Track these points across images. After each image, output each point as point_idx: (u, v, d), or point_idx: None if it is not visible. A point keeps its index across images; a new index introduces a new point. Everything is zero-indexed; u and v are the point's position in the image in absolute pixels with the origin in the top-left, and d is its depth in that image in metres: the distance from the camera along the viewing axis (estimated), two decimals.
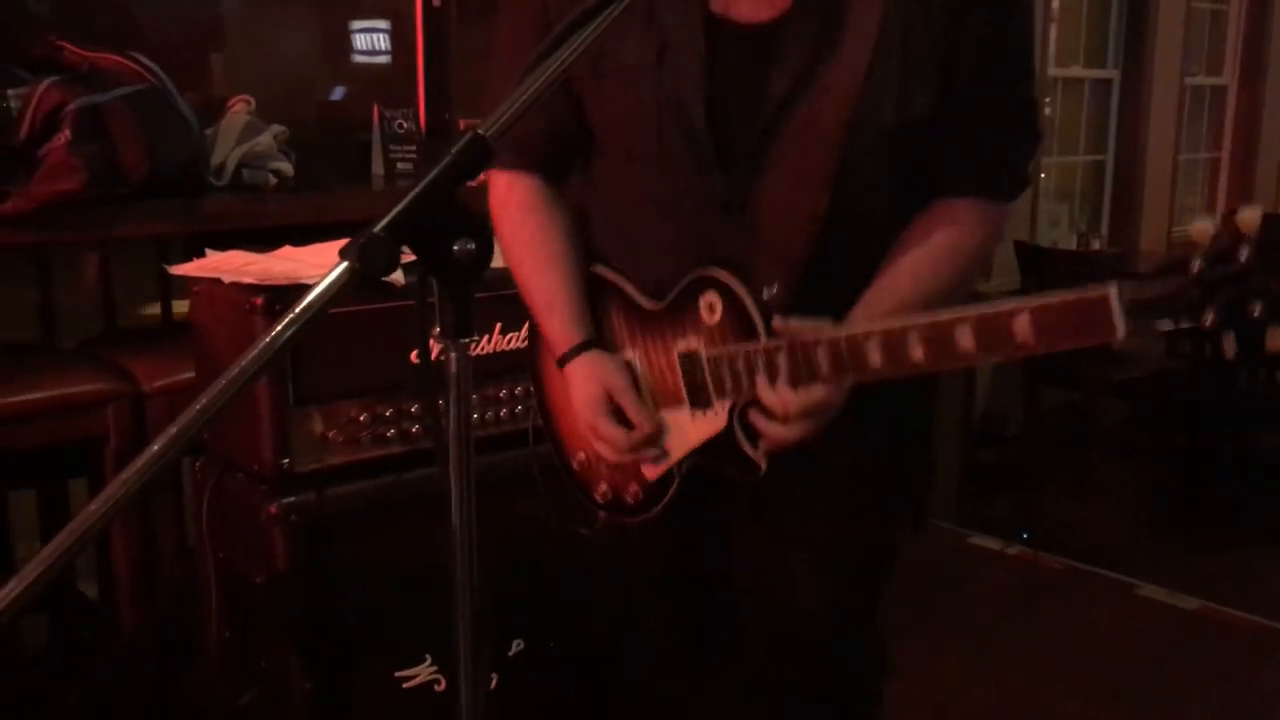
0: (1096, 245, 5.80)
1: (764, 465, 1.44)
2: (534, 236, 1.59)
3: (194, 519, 2.29)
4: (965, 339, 1.20)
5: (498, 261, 2.06)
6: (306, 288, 0.91)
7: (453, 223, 0.95)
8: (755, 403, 1.40)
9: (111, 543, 2.42)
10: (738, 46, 1.40)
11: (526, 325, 1.75)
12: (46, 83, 2.38)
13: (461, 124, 3.16)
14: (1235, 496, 4.91)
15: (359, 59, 3.45)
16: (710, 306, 1.44)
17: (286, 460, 2.01)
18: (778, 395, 1.36)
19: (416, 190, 0.94)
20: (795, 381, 1.35)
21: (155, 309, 3.01)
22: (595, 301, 1.59)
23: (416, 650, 2.16)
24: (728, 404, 1.45)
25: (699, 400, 1.48)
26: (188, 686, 2.44)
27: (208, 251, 2.25)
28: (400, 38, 3.42)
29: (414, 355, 2.03)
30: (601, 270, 1.59)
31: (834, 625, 1.69)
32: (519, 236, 1.59)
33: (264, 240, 2.31)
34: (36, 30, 2.54)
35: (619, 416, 1.53)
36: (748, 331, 1.41)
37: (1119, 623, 3.65)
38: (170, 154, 2.48)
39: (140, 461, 0.86)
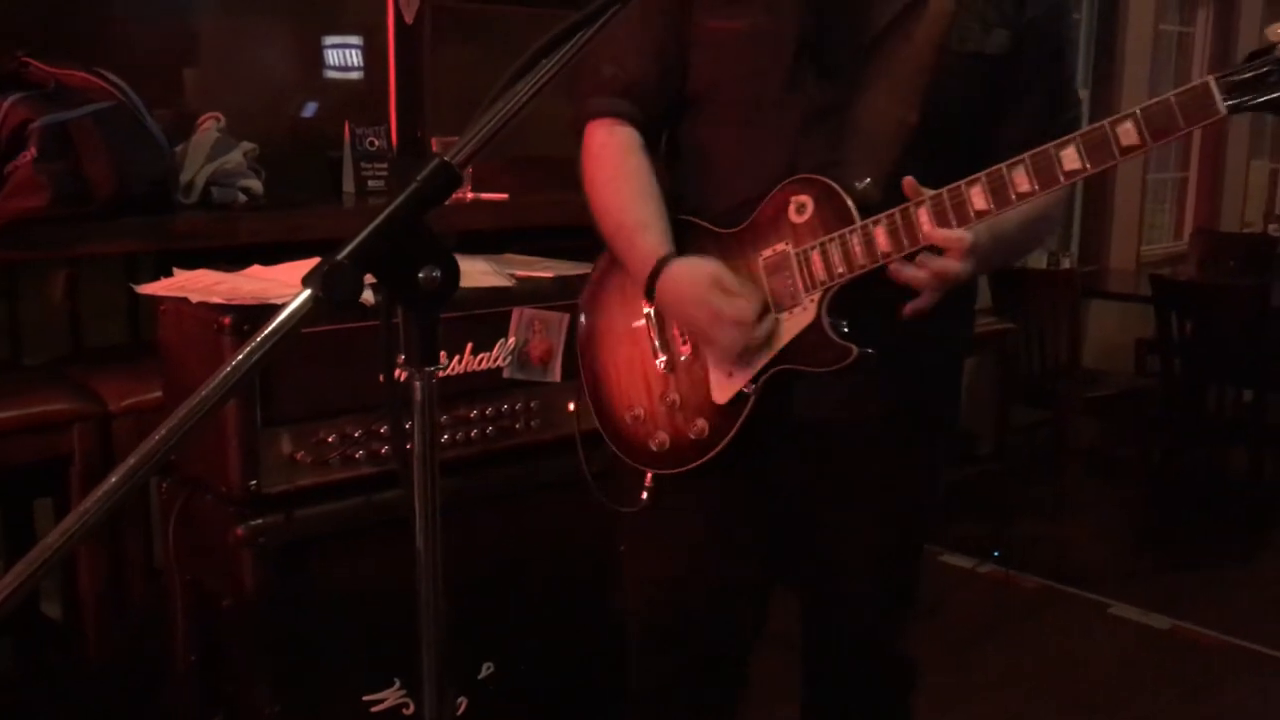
0: (1067, 264, 5.82)
1: (855, 349, 1.55)
2: (636, 169, 1.69)
3: (161, 540, 2.26)
4: (1071, 161, 1.40)
5: (469, 281, 2.06)
6: (275, 308, 0.91)
7: (418, 250, 0.95)
8: (868, 273, 1.52)
9: (77, 564, 2.38)
10: None
11: (579, 296, 1.84)
12: (11, 99, 2.35)
13: (434, 142, 3.15)
14: (1206, 515, 4.94)
15: (331, 75, 3.43)
16: (800, 206, 1.57)
17: (254, 482, 1.99)
18: (940, 232, 1.46)
19: (381, 217, 0.93)
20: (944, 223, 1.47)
21: (123, 328, 2.98)
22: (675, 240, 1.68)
23: (385, 673, 2.14)
24: (817, 295, 1.56)
25: (786, 299, 1.58)
26: (155, 710, 2.41)
27: (176, 270, 2.23)
28: (373, 54, 3.41)
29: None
30: (679, 217, 1.70)
31: (887, 608, 1.85)
32: (621, 168, 1.69)
33: (233, 259, 2.29)
34: (2, 47, 2.51)
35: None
36: (841, 220, 1.53)
37: (1091, 642, 3.67)
38: (138, 171, 2.46)
39: (104, 487, 0.84)
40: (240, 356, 0.91)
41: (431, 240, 0.95)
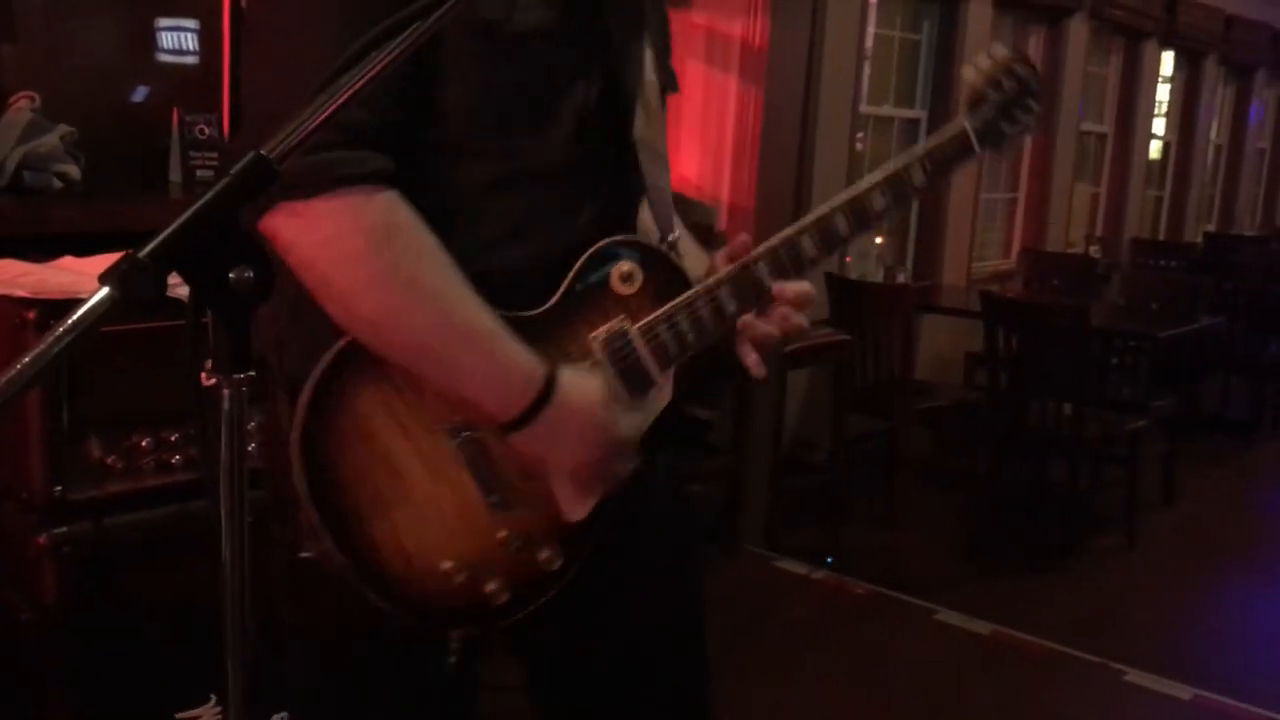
0: (902, 278, 5.99)
1: (715, 412, 1.45)
2: (446, 259, 1.24)
3: None
4: (877, 201, 1.42)
5: None
6: (81, 305, 0.84)
7: (229, 249, 0.89)
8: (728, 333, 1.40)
9: None
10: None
11: (289, 415, 1.27)
12: None
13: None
14: (1028, 524, 5.14)
15: (164, 58, 3.28)
16: (626, 276, 1.34)
17: (59, 488, 1.88)
18: (790, 289, 1.39)
19: (188, 213, 0.86)
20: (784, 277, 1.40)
21: None
22: None
23: (200, 689, 2.04)
24: (671, 372, 1.37)
25: (640, 384, 1.34)
26: None
27: None
28: (209, 38, 3.27)
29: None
30: None
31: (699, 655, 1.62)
32: (438, 259, 1.23)
33: (43, 249, 2.16)
34: None
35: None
36: (675, 287, 1.36)
37: (918, 646, 3.76)
38: None
39: None
40: (28, 358, 0.84)
41: (244, 239, 0.89)
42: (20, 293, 1.88)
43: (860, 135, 5.84)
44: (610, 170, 1.38)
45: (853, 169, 5.52)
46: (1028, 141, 7.42)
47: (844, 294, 5.09)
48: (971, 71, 1.51)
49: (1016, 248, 7.51)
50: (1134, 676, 3.63)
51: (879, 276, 5.91)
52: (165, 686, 2.01)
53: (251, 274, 0.89)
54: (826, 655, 3.58)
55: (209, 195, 0.87)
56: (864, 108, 5.80)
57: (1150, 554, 4.97)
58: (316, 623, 1.41)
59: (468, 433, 1.28)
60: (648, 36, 1.44)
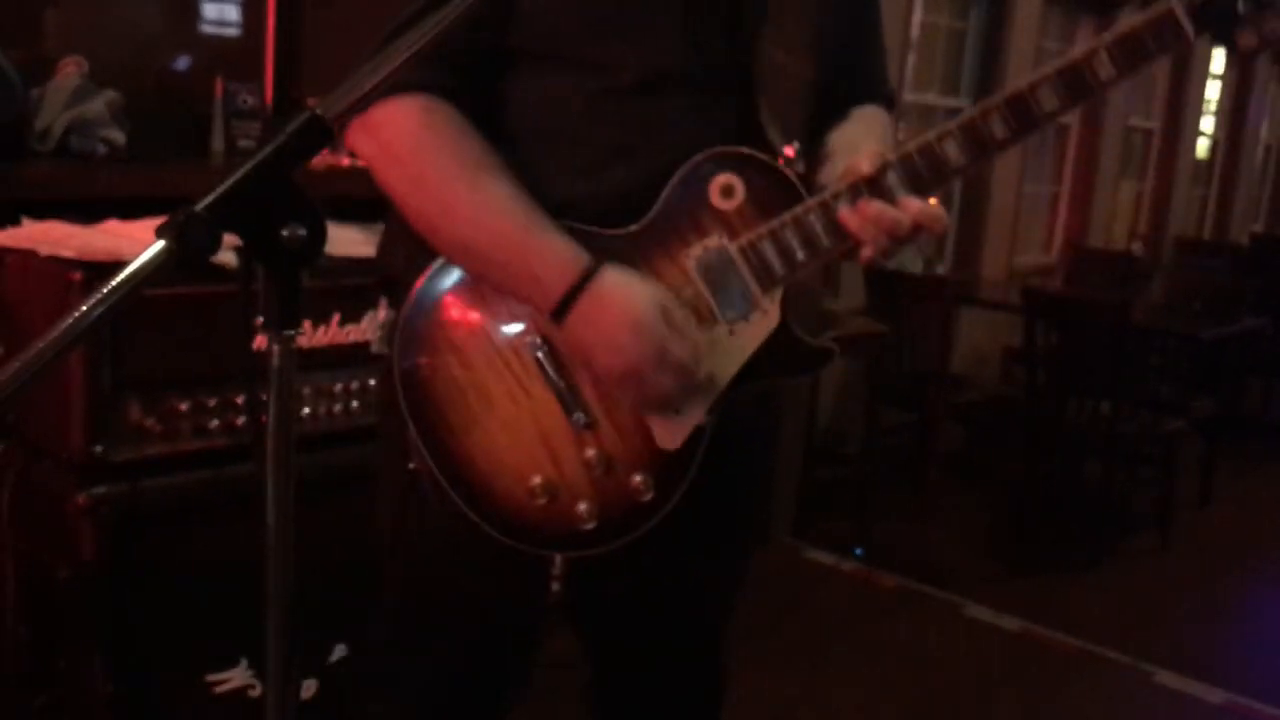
0: (941, 271, 5.95)
1: (833, 344, 1.31)
2: (491, 157, 1.25)
3: None
4: (1049, 101, 1.22)
5: (340, 250, 1.98)
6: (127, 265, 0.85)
7: (283, 206, 0.89)
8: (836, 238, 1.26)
9: None
10: None
11: (382, 339, 1.34)
12: None
13: (311, 103, 3.03)
14: (1060, 522, 5.09)
15: (206, 29, 3.29)
16: (725, 189, 1.26)
17: (99, 448, 1.89)
18: (915, 206, 1.24)
19: (245, 169, 0.87)
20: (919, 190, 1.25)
21: None
22: None
23: (231, 653, 2.05)
24: (777, 294, 1.27)
25: (737, 306, 1.27)
26: None
27: (24, 221, 2.10)
28: (252, 9, 3.27)
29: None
30: None
31: (717, 634, 1.61)
32: (465, 156, 1.24)
33: (88, 213, 2.17)
34: None
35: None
36: (784, 200, 1.26)
37: (946, 641, 3.74)
38: None
39: None
40: (84, 309, 0.84)
41: (298, 196, 0.89)
42: (67, 254, 1.89)
43: (903, 125, 5.80)
44: (725, 81, 1.29)
45: None
46: (1072, 134, 7.34)
47: (881, 285, 5.05)
48: None
49: (1058, 243, 7.43)
50: (1164, 678, 3.59)
51: (918, 268, 5.86)
52: (196, 649, 2.02)
53: (304, 231, 0.89)
54: (854, 647, 3.56)
55: (264, 152, 0.87)
56: (908, 96, 5.75)
57: (1184, 556, 4.92)
58: (417, 541, 1.38)
59: (543, 345, 1.27)
60: None
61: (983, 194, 6.32)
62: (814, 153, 1.39)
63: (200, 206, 0.85)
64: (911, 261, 5.94)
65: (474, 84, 1.27)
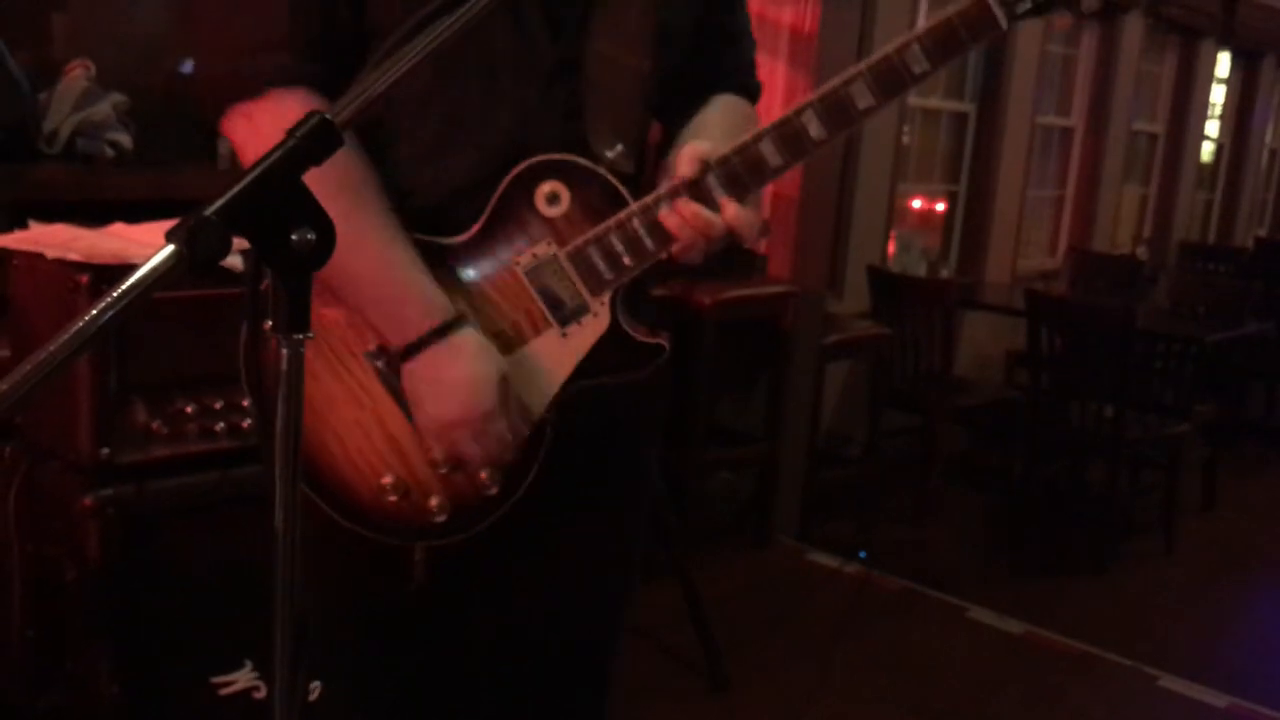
0: (945, 274, 5.95)
1: (665, 338, 1.33)
2: (362, 178, 1.25)
3: (0, 509, 2.14)
4: (863, 98, 1.21)
5: None
6: (135, 269, 0.84)
7: (292, 210, 0.89)
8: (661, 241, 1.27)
9: None
10: None
11: (246, 324, 1.29)
12: None
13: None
14: (1063, 525, 5.09)
15: None
16: (551, 197, 1.27)
17: (106, 450, 1.90)
18: (733, 209, 1.25)
19: (254, 173, 0.87)
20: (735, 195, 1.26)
21: None
22: None
23: (236, 655, 2.06)
24: (608, 295, 1.29)
25: (568, 310, 1.30)
26: None
27: (32, 223, 2.11)
28: None
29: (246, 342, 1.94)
30: None
31: (600, 627, 1.59)
32: (344, 180, 1.20)
33: (95, 216, 2.18)
34: None
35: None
36: (609, 204, 1.27)
37: (949, 643, 3.74)
38: None
39: None
40: (93, 313, 0.84)
41: (308, 200, 0.89)
42: (74, 257, 1.90)
43: (907, 128, 5.81)
44: (552, 71, 1.29)
45: (899, 161, 5.49)
46: (1076, 138, 7.35)
47: (885, 287, 5.06)
48: None
49: (1063, 247, 7.43)
50: (1167, 682, 3.59)
51: (921, 271, 5.87)
52: (201, 650, 2.03)
53: (313, 236, 0.89)
54: (856, 649, 3.56)
55: (274, 155, 0.88)
56: (912, 100, 5.76)
57: (1188, 560, 4.92)
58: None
59: (380, 355, 1.29)
60: None
61: (987, 197, 6.32)
62: (674, 137, 1.39)
63: (210, 211, 0.85)
64: (915, 264, 5.95)
65: (339, 73, 1.21)
